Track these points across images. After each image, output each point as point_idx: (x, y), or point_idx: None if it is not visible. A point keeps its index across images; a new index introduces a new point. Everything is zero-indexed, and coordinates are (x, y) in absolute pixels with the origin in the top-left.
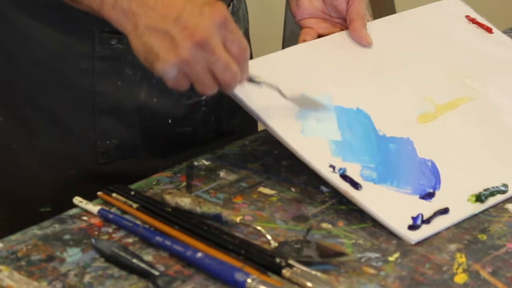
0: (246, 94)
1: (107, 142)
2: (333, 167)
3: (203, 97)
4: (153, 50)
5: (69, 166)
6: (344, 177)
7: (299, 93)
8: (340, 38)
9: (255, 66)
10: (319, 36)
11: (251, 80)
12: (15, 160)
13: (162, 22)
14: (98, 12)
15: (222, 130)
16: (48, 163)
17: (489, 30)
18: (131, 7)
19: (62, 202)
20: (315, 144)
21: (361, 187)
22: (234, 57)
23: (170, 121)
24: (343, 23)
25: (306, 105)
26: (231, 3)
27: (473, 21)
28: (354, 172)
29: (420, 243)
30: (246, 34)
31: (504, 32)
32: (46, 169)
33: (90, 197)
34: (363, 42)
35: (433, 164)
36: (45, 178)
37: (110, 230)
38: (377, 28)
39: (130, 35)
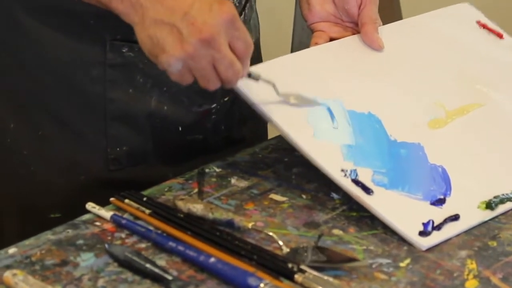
0: (259, 97)
1: (118, 149)
2: (345, 171)
3: (214, 105)
4: (159, 43)
5: (79, 173)
6: (356, 182)
7: (293, 91)
8: (351, 41)
9: (267, 68)
10: (331, 39)
11: (249, 75)
12: (26, 166)
13: (169, 16)
14: (106, 6)
15: (233, 138)
16: (59, 169)
17: (500, 36)
18: (140, 0)
19: (73, 208)
20: (327, 148)
21: (372, 192)
22: (238, 53)
23: (180, 128)
24: (354, 27)
25: (298, 102)
26: (243, 12)
27: (484, 26)
28: (365, 177)
29: (430, 249)
30: (257, 43)
31: None
32: (57, 175)
33: (101, 204)
34: (375, 45)
35: (443, 170)
36: (56, 184)
37: (123, 235)
38: (388, 32)
39: (137, 27)
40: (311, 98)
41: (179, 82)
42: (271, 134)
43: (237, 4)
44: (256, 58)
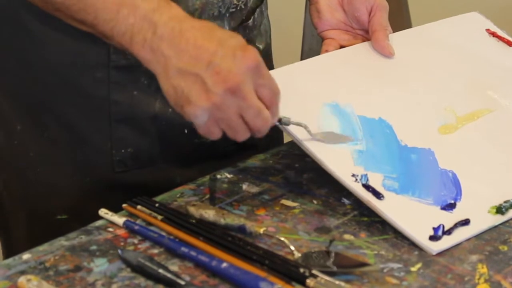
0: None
1: (123, 150)
2: (355, 176)
3: None
4: (184, 93)
5: (85, 174)
6: (367, 186)
7: (325, 130)
8: (362, 48)
9: (278, 76)
10: (341, 47)
11: (280, 121)
12: (33, 168)
13: (193, 65)
14: (128, 49)
15: (244, 144)
16: (65, 170)
17: (509, 43)
18: (161, 47)
19: (79, 210)
20: (338, 153)
21: (383, 197)
22: (265, 101)
23: (186, 131)
24: (364, 34)
25: (332, 140)
26: (252, 17)
27: (493, 34)
28: (376, 182)
29: (441, 253)
30: (268, 48)
31: None
32: (63, 177)
33: (108, 206)
34: (385, 52)
35: (454, 175)
36: (62, 185)
37: (135, 241)
38: (398, 40)
39: (160, 77)
40: (345, 136)
41: (206, 136)
42: (285, 140)
43: (243, 7)
44: (267, 64)
